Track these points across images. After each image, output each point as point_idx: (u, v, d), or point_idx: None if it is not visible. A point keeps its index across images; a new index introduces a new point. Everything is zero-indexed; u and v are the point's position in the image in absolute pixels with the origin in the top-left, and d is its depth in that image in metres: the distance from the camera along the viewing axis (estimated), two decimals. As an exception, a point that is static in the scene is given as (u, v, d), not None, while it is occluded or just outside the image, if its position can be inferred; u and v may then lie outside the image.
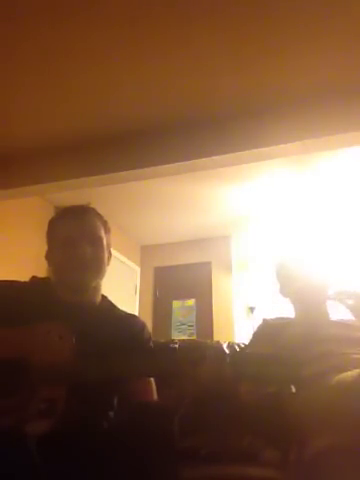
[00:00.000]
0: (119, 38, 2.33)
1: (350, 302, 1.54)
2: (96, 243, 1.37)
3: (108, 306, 1.44)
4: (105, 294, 1.47)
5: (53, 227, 1.43)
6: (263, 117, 2.85)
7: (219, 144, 2.95)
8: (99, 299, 1.42)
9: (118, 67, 2.54)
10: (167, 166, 3.09)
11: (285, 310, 1.80)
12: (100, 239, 1.38)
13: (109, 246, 1.44)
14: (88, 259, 1.33)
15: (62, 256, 1.35)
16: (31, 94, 2.75)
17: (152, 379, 1.32)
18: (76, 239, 1.34)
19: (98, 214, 1.43)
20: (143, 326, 1.43)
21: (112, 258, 1.47)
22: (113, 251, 1.49)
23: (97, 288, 1.40)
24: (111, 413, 1.27)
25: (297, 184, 4.29)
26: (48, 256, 1.42)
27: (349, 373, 1.19)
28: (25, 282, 1.41)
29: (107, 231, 1.44)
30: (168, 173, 3.31)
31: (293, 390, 1.05)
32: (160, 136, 3.06)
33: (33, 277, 1.43)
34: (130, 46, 2.38)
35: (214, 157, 2.98)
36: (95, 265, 1.35)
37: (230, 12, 2.18)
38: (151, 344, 1.41)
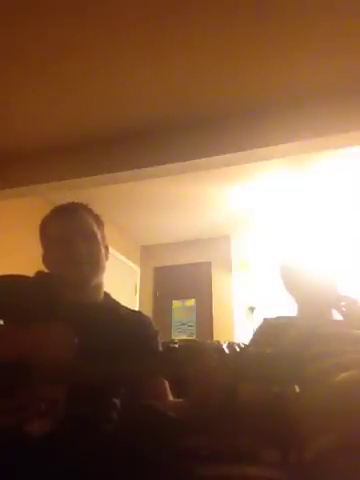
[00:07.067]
0: (120, 39, 2.33)
1: (344, 309, 1.54)
2: (89, 239, 1.36)
3: (111, 304, 1.41)
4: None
5: (45, 228, 1.42)
6: (263, 117, 2.86)
7: (219, 144, 2.95)
8: (101, 297, 1.40)
9: (118, 67, 2.54)
10: (167, 166, 3.09)
11: (286, 309, 1.79)
12: (93, 234, 1.37)
13: (104, 240, 1.42)
14: (83, 255, 1.32)
15: (57, 255, 1.35)
16: (31, 94, 2.75)
17: (164, 380, 1.29)
18: (69, 237, 1.34)
19: (89, 210, 1.42)
20: (148, 323, 1.40)
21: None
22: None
23: (98, 286, 1.39)
24: (114, 414, 1.25)
25: (297, 184, 4.29)
26: (44, 258, 1.42)
27: (352, 372, 1.19)
28: (30, 277, 1.40)
29: (100, 225, 1.42)
30: (168, 173, 3.31)
31: (296, 390, 1.05)
32: (160, 136, 3.06)
33: (38, 272, 1.42)
34: (130, 47, 2.38)
35: (214, 157, 2.98)
36: (91, 260, 1.34)
37: (231, 13, 2.18)
38: (158, 340, 1.37)
